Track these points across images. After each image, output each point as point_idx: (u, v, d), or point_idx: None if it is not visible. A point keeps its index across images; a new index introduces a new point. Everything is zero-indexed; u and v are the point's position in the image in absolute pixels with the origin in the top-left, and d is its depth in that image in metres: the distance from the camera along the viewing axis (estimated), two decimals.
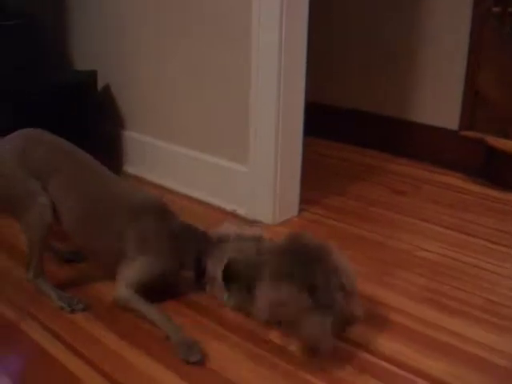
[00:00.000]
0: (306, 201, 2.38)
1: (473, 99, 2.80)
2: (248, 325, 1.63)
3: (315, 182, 2.62)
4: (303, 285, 1.48)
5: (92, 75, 2.70)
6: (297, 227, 2.23)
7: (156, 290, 1.70)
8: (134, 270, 1.69)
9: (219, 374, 1.44)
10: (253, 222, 2.23)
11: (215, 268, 1.67)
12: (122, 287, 1.68)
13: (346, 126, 3.22)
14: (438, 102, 2.92)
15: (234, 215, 2.32)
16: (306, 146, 2.33)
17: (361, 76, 3.20)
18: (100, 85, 2.80)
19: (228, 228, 1.77)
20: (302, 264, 1.53)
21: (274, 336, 1.58)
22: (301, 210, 2.35)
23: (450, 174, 2.79)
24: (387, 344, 1.56)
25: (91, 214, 1.74)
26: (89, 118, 2.64)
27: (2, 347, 1.58)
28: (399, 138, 3.04)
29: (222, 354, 1.52)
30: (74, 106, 2.57)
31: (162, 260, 1.70)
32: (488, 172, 2.73)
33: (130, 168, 2.79)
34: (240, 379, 1.42)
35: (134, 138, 2.77)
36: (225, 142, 2.37)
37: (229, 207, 2.35)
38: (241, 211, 2.31)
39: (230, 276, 1.65)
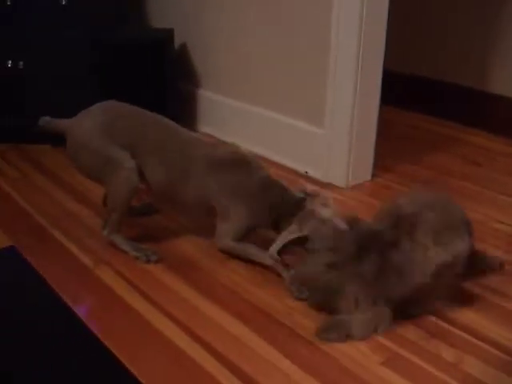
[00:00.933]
0: (379, 167, 2.37)
1: None
2: None
3: (389, 149, 2.59)
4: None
5: (169, 33, 2.72)
6: (369, 192, 2.22)
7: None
8: (228, 224, 1.75)
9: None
10: (325, 186, 2.23)
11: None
12: (223, 238, 1.76)
13: (424, 95, 3.16)
14: None
15: (306, 177, 2.31)
16: (381, 114, 2.31)
17: (440, 45, 3.13)
18: (177, 43, 2.82)
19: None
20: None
21: None
22: (373, 176, 2.34)
23: None
24: (461, 313, 1.55)
25: (177, 174, 1.76)
26: (165, 75, 2.66)
27: (78, 291, 1.63)
28: (477, 109, 2.97)
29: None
30: (150, 63, 2.59)
31: (252, 208, 1.73)
32: None
33: (203, 127, 2.81)
34: None
35: (209, 97, 2.78)
36: (301, 104, 2.36)
37: (301, 169, 2.35)
38: (313, 173, 2.30)
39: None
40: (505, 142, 2.78)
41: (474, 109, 2.98)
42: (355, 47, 2.09)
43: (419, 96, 3.17)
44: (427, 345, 1.43)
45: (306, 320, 1.51)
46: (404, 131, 2.95)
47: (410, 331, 1.47)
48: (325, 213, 1.62)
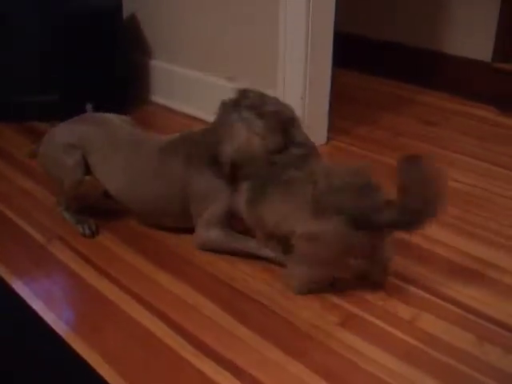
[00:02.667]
0: (334, 130, 2.36)
1: (508, 29, 2.71)
2: None
3: (344, 112, 2.58)
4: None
5: (117, 2, 2.66)
6: (324, 155, 2.21)
7: None
8: (213, 207, 1.62)
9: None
10: None
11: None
12: (209, 231, 1.63)
13: (377, 58, 3.15)
14: (471, 32, 2.84)
15: None
16: (335, 77, 2.30)
17: (391, 5, 3.12)
18: (126, 13, 2.76)
19: None
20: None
21: None
22: (329, 139, 2.33)
23: (482, 107, 2.73)
24: (419, 270, 1.57)
25: (136, 177, 1.72)
26: (114, 45, 2.61)
27: (33, 269, 1.60)
28: (430, 69, 2.98)
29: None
30: (99, 34, 2.53)
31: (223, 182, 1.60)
32: None
33: (157, 98, 2.78)
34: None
35: (162, 67, 2.74)
36: (253, 69, 2.33)
37: None
38: None
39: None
40: (458, 101, 2.79)
41: (427, 69, 2.99)
42: (304, 8, 2.07)
43: (372, 58, 3.17)
44: (384, 304, 1.44)
45: (261, 285, 1.51)
46: (358, 94, 2.94)
47: (367, 292, 1.48)
48: None
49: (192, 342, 1.33)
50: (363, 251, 1.37)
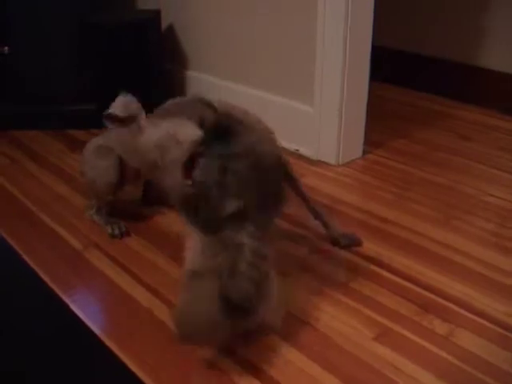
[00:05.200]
0: (370, 143, 2.36)
1: None
2: None
3: (380, 125, 2.58)
4: None
5: (155, 14, 2.69)
6: (360, 168, 2.21)
7: None
8: None
9: None
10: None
11: None
12: None
13: (414, 72, 3.14)
14: (507, 46, 2.82)
15: (297, 155, 2.30)
16: (372, 91, 2.30)
17: (429, 20, 3.10)
18: (164, 25, 2.79)
19: None
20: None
21: None
22: (365, 152, 2.32)
23: None
24: (452, 285, 1.55)
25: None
26: (151, 57, 2.64)
27: (71, 276, 1.62)
28: (467, 84, 2.96)
29: None
30: (136, 45, 2.56)
31: None
32: None
33: None
34: None
35: (197, 78, 2.76)
36: (290, 82, 2.34)
37: (292, 147, 2.33)
38: (304, 151, 2.29)
39: None
40: (495, 116, 2.77)
41: (465, 83, 2.97)
42: (342, 22, 2.07)
43: (410, 72, 3.16)
44: (420, 319, 1.43)
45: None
46: (395, 107, 2.93)
47: (402, 306, 1.47)
48: None
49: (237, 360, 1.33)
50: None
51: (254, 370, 1.28)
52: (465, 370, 1.27)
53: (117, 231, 1.79)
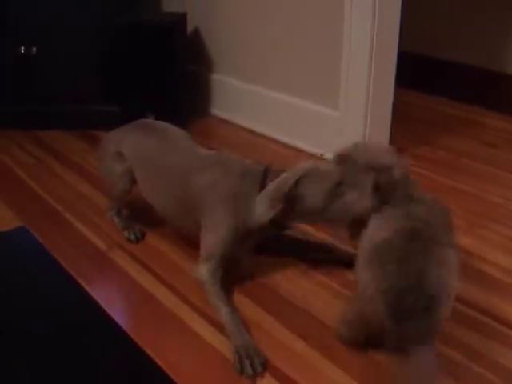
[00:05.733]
0: (395, 149, 2.33)
1: None
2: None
3: (405, 131, 2.56)
4: None
5: (182, 17, 2.70)
6: None
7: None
8: (211, 235, 1.52)
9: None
10: None
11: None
12: (200, 265, 1.52)
13: (440, 78, 3.12)
14: None
15: (322, 160, 2.29)
16: (398, 96, 2.29)
17: (456, 26, 3.08)
18: (190, 27, 2.80)
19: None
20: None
21: None
22: None
23: None
24: (480, 295, 1.53)
25: (163, 185, 1.68)
26: (177, 59, 2.64)
27: (95, 275, 1.63)
28: (493, 91, 2.93)
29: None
30: (163, 47, 2.57)
31: (237, 209, 1.50)
32: None
33: (217, 111, 2.80)
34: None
35: (223, 81, 2.76)
36: (316, 87, 2.33)
37: (317, 152, 2.32)
38: (329, 156, 2.27)
39: None
40: None
41: (490, 91, 2.94)
42: (369, 28, 2.06)
43: (435, 78, 3.14)
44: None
45: (320, 303, 1.50)
46: (420, 114, 2.91)
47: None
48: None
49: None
50: None
51: (274, 370, 1.28)
52: None
53: (132, 237, 1.79)
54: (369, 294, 1.15)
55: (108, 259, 1.69)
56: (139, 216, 1.87)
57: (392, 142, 2.30)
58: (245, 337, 1.35)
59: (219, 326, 1.40)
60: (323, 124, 2.30)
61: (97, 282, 1.59)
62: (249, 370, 1.28)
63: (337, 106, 2.23)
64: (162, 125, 1.82)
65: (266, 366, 1.30)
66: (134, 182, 1.77)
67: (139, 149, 1.75)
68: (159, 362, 1.30)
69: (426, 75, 3.16)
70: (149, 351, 1.33)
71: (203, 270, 1.49)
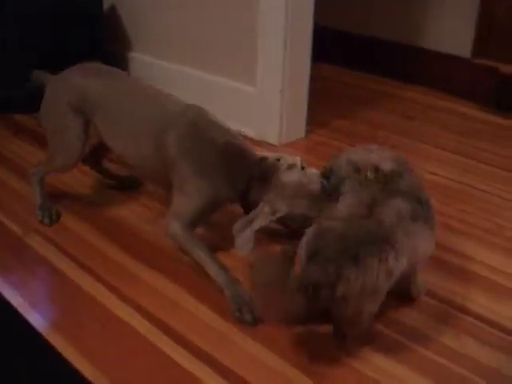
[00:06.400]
0: (313, 123, 2.35)
1: (487, 26, 2.72)
2: None
3: (324, 105, 2.58)
4: None
5: None
6: (304, 148, 2.21)
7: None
8: (183, 200, 1.52)
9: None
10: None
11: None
12: (172, 221, 1.51)
13: (359, 53, 3.15)
14: (451, 28, 2.84)
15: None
16: (316, 71, 2.30)
17: (374, 1, 3.11)
18: (105, 6, 2.74)
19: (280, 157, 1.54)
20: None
21: None
22: (308, 132, 2.32)
23: (462, 102, 2.73)
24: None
25: (132, 131, 1.61)
26: (94, 38, 2.58)
27: (10, 261, 1.58)
28: (411, 65, 2.98)
29: None
30: (78, 27, 2.51)
31: (215, 180, 1.50)
32: (500, 100, 2.67)
33: None
34: None
35: (140, 59, 2.72)
36: (232, 63, 2.32)
37: (236, 128, 2.31)
38: (247, 132, 2.28)
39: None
40: (438, 97, 2.80)
41: (408, 65, 2.99)
42: (283, 3, 2.05)
43: (354, 53, 3.17)
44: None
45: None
46: (339, 88, 2.94)
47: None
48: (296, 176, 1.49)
49: (172, 336, 1.31)
50: None
51: (205, 356, 1.27)
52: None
53: (47, 220, 1.72)
54: None
55: (24, 245, 1.64)
56: (54, 194, 1.83)
57: (311, 116, 2.31)
58: (236, 284, 1.40)
59: (142, 310, 1.39)
60: (241, 100, 2.29)
61: (13, 268, 1.54)
62: (248, 317, 1.34)
63: (254, 82, 2.23)
64: (116, 69, 1.77)
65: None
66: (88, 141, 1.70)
67: (105, 96, 1.64)
68: (78, 349, 1.27)
69: (345, 50, 3.18)
70: (69, 339, 1.30)
71: (175, 227, 1.49)
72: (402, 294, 1.38)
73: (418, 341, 1.30)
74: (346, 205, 1.28)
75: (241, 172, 1.51)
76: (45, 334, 1.31)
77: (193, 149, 1.51)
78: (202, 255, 1.46)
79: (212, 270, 1.44)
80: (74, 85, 1.69)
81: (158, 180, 1.65)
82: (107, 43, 2.76)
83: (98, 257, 1.59)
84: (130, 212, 1.79)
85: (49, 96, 1.73)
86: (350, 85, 2.98)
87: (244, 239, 1.41)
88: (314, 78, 2.28)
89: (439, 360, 1.25)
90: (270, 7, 2.09)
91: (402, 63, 3.01)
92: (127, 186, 1.93)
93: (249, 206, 1.51)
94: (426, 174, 2.03)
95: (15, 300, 1.42)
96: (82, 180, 1.97)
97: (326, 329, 1.28)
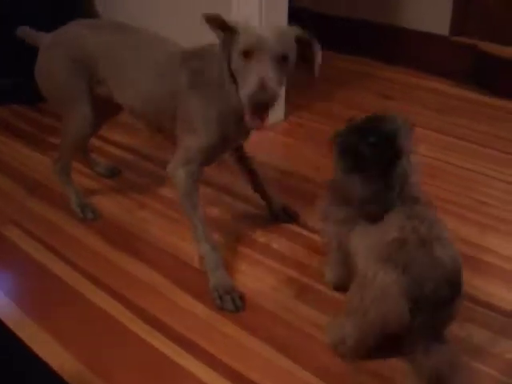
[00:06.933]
0: (292, 105, 2.36)
1: (464, 4, 2.73)
2: None
3: (303, 87, 2.57)
4: None
5: None
6: (283, 131, 2.21)
7: None
8: (195, 137, 1.42)
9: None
10: None
11: None
12: (179, 167, 1.43)
13: (336, 34, 3.14)
14: (429, 7, 2.84)
15: None
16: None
17: None
18: None
19: None
20: None
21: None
22: (287, 114, 2.32)
23: (440, 80, 2.74)
24: None
25: (142, 72, 1.51)
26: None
27: None
28: (389, 44, 2.98)
29: None
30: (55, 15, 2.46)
31: (226, 116, 1.40)
32: (478, 78, 2.68)
33: None
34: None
35: None
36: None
37: None
38: None
39: None
40: (417, 75, 2.81)
41: (386, 44, 2.99)
42: None
43: (331, 34, 3.15)
44: None
45: None
46: (321, 71, 2.93)
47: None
48: None
49: (146, 319, 1.31)
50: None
51: (174, 335, 1.28)
52: None
53: (90, 214, 1.69)
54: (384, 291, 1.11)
55: (1, 236, 1.62)
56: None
57: (291, 99, 2.30)
58: (221, 270, 1.40)
59: (116, 295, 1.39)
60: None
61: None
62: (230, 305, 1.34)
63: None
64: (112, 20, 1.69)
65: (244, 299, 1.36)
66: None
67: (109, 45, 1.55)
68: (57, 340, 1.26)
69: (322, 31, 3.16)
70: (43, 325, 1.30)
71: (181, 173, 1.42)
72: None
73: None
74: None
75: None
76: (18, 321, 1.31)
77: (204, 83, 1.41)
78: (198, 228, 1.41)
79: (203, 248, 1.41)
80: (74, 37, 1.59)
81: (163, 126, 1.52)
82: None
83: (75, 245, 1.58)
84: (115, 204, 1.79)
85: (45, 55, 1.62)
86: (329, 66, 2.96)
87: None
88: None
89: None
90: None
91: (381, 43, 3.01)
92: (109, 174, 1.92)
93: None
94: None
95: None
96: None
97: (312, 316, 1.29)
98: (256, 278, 1.45)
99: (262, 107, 1.24)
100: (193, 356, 1.22)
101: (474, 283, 1.42)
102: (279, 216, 1.68)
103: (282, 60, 1.27)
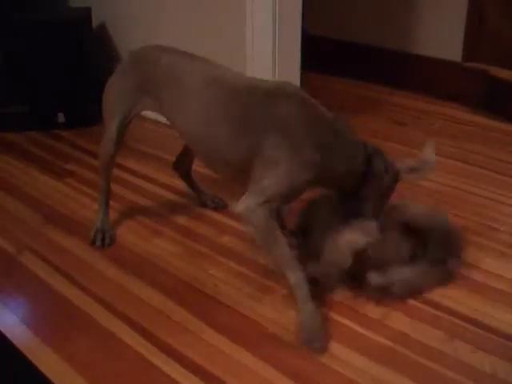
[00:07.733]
0: None
1: (476, 29, 2.74)
2: None
3: None
4: None
5: (86, 12, 2.65)
6: None
7: None
8: (275, 177, 1.33)
9: None
10: None
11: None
12: (251, 198, 1.33)
13: (348, 60, 3.16)
14: (441, 33, 2.85)
15: None
16: (306, 80, 2.30)
17: (362, 8, 3.13)
18: (95, 22, 2.75)
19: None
20: None
21: None
22: None
23: (453, 106, 2.75)
24: None
25: (216, 114, 1.44)
26: (84, 54, 2.59)
27: (4, 282, 1.58)
28: (402, 71, 2.99)
29: None
30: (69, 43, 2.51)
31: (310, 164, 1.34)
32: (490, 103, 2.68)
33: None
34: None
35: None
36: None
37: None
38: None
39: None
40: (429, 101, 2.81)
41: (398, 70, 3.00)
42: (271, 16, 2.07)
43: (343, 60, 3.18)
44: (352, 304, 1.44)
45: (231, 290, 1.51)
46: (328, 97, 2.93)
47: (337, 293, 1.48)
48: None
49: (161, 347, 1.32)
50: None
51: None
52: (398, 350, 1.29)
53: (99, 243, 1.69)
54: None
55: (18, 263, 1.64)
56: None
57: None
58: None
59: (131, 323, 1.39)
60: None
61: (5, 287, 1.55)
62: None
63: None
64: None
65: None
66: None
67: (176, 72, 1.54)
68: (72, 366, 1.27)
69: (333, 58, 3.19)
70: (58, 355, 1.30)
71: (259, 214, 1.31)
72: None
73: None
74: None
75: (339, 161, 1.39)
76: (33, 347, 1.32)
77: (293, 125, 1.37)
78: (285, 256, 1.33)
79: (294, 276, 1.32)
80: (147, 60, 1.63)
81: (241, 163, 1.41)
82: (98, 58, 2.76)
83: (90, 272, 1.59)
84: (127, 229, 1.80)
85: (120, 67, 1.75)
86: (340, 92, 2.99)
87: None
88: (302, 87, 2.28)
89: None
90: (257, 18, 2.11)
91: (391, 69, 3.02)
92: (210, 205, 1.91)
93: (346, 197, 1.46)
94: (420, 180, 2.02)
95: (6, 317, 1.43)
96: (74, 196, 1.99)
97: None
98: None
99: None
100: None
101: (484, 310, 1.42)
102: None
103: None
